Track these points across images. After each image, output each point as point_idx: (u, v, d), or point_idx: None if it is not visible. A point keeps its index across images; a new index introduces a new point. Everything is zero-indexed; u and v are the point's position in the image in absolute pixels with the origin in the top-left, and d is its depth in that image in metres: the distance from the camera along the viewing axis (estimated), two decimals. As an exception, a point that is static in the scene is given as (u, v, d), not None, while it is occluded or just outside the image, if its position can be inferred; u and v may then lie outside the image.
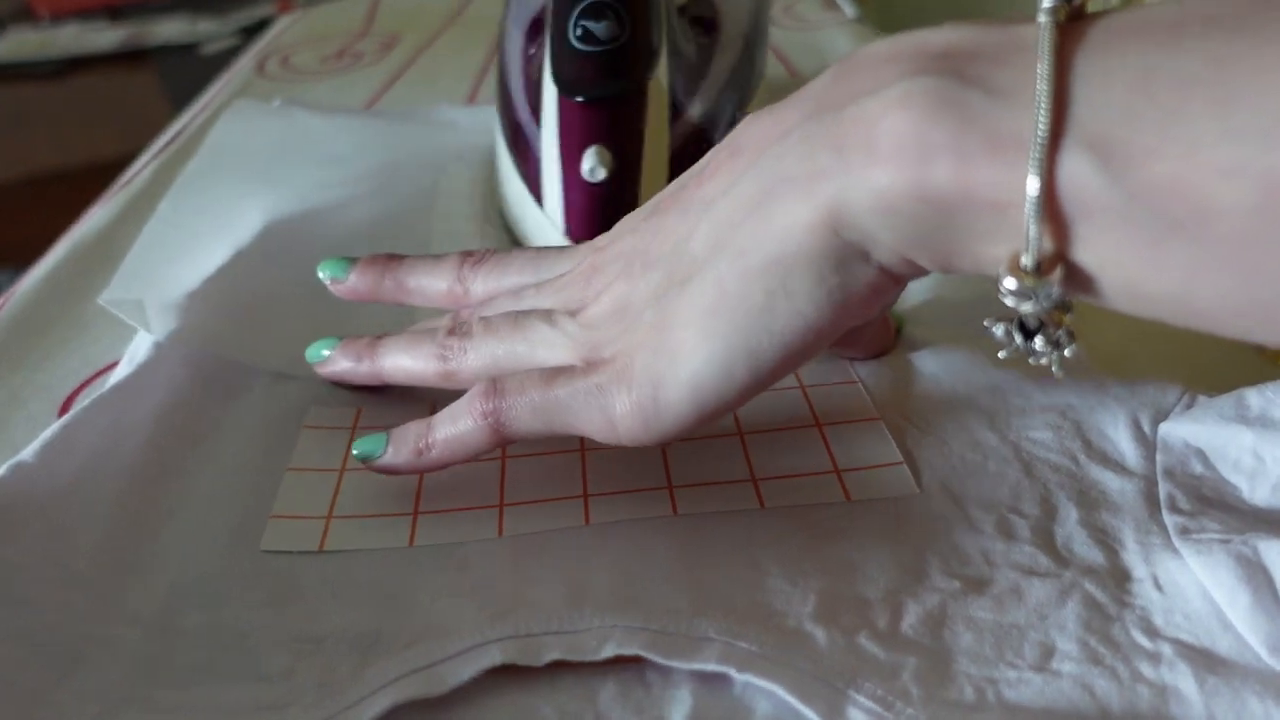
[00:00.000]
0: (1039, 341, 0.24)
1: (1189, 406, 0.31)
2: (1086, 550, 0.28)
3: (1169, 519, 0.28)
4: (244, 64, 0.79)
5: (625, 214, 0.37)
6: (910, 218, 0.23)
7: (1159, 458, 0.30)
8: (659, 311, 0.28)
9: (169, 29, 1.33)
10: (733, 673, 0.25)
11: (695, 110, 0.44)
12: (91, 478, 0.31)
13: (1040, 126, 0.21)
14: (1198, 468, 0.30)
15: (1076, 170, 0.21)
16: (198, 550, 0.30)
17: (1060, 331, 0.24)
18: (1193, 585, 0.26)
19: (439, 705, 0.25)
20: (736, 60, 0.48)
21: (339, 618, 0.27)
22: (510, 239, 0.47)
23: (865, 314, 0.27)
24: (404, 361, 0.34)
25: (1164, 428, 0.31)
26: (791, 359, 0.26)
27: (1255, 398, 0.29)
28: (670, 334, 0.27)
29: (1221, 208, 0.19)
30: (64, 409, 0.38)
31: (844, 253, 0.25)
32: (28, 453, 0.30)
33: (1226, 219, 0.19)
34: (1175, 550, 0.27)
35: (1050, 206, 0.21)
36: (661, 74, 0.41)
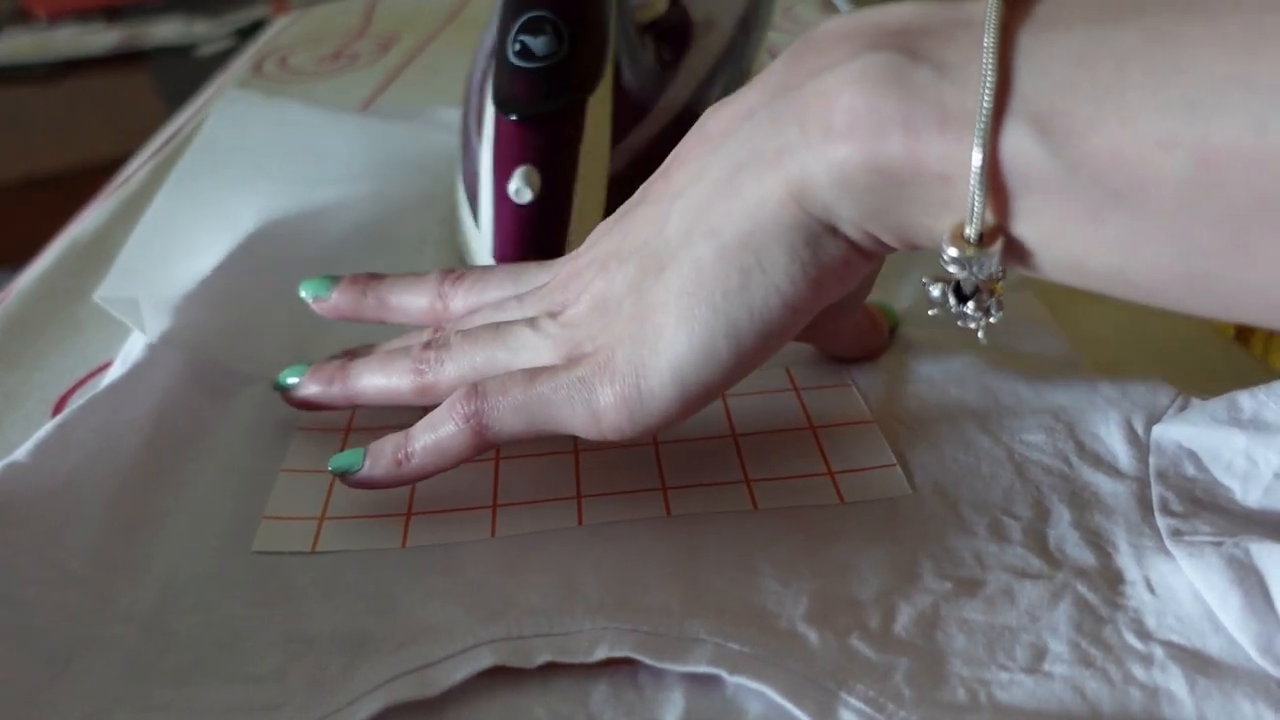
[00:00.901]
0: (971, 306, 0.25)
1: (1182, 409, 0.31)
2: (1079, 552, 0.28)
3: (1161, 521, 0.28)
4: (241, 65, 0.79)
5: (553, 237, 0.37)
6: (866, 190, 0.24)
7: (1152, 460, 0.30)
8: (637, 302, 0.28)
9: (165, 30, 1.33)
10: (724, 674, 0.25)
11: (645, 130, 0.43)
12: (85, 478, 0.31)
13: (984, 101, 0.21)
14: (1190, 470, 0.30)
15: (1019, 143, 0.21)
16: (191, 550, 0.30)
17: (992, 300, 0.25)
18: (1185, 587, 0.26)
19: (431, 707, 0.25)
20: (706, 79, 0.47)
21: (331, 618, 0.27)
22: (457, 259, 0.45)
23: (841, 289, 0.27)
24: (378, 380, 0.33)
25: (1157, 430, 0.31)
26: (772, 338, 0.27)
27: (1248, 400, 0.29)
28: (650, 322, 0.27)
29: (1157, 178, 0.20)
30: (58, 409, 0.38)
31: (812, 227, 0.25)
32: (21, 452, 0.30)
33: (1163, 189, 0.20)
34: (1168, 552, 0.27)
35: (993, 179, 0.22)
36: (605, 92, 0.40)
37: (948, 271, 0.24)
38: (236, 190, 0.46)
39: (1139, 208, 0.20)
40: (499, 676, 0.25)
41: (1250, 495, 0.28)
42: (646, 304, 0.27)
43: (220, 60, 0.85)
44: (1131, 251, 0.21)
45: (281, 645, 0.27)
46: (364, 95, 0.69)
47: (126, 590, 0.28)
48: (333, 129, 0.54)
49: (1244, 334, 0.38)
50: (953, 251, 0.23)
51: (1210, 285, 0.21)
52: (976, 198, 0.22)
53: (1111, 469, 0.31)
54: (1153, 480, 0.30)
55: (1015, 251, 0.23)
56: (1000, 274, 0.24)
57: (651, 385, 0.27)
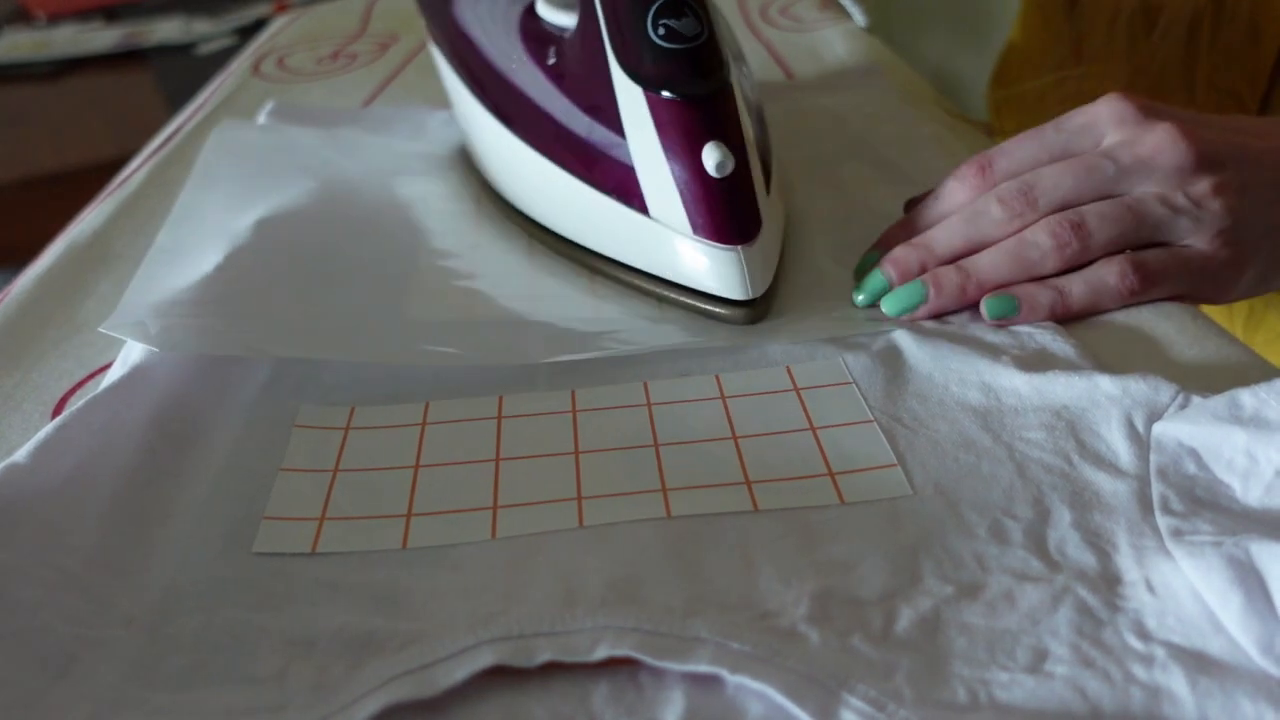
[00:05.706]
0: None
1: (1183, 406, 0.31)
2: (1079, 553, 0.28)
3: (1162, 521, 0.28)
4: (240, 64, 0.78)
5: (749, 203, 0.39)
6: None
7: (1152, 458, 0.30)
8: None
9: (165, 29, 1.33)
10: (725, 674, 0.25)
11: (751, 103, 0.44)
12: (85, 479, 0.31)
13: None
14: (1191, 468, 0.30)
15: None
16: (191, 552, 0.30)
17: None
18: (1185, 587, 0.26)
19: (432, 707, 0.25)
20: (744, 66, 0.49)
21: (332, 619, 0.27)
22: (587, 258, 0.44)
23: None
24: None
25: (1158, 427, 0.31)
26: None
27: (1249, 398, 0.29)
28: None
29: None
30: (57, 410, 0.38)
31: None
32: (21, 454, 0.30)
33: None
34: (1168, 552, 0.27)
35: None
36: (732, 69, 0.41)
37: None
38: (236, 220, 0.46)
39: None
40: (499, 676, 0.25)
41: (1251, 493, 0.28)
42: None
43: (221, 59, 0.84)
44: None
45: (283, 647, 0.27)
46: (362, 96, 0.69)
47: (127, 592, 0.28)
48: (324, 147, 0.55)
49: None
50: None
51: None
52: None
53: (1112, 467, 0.30)
54: (1153, 478, 0.30)
55: None
56: None
57: None
